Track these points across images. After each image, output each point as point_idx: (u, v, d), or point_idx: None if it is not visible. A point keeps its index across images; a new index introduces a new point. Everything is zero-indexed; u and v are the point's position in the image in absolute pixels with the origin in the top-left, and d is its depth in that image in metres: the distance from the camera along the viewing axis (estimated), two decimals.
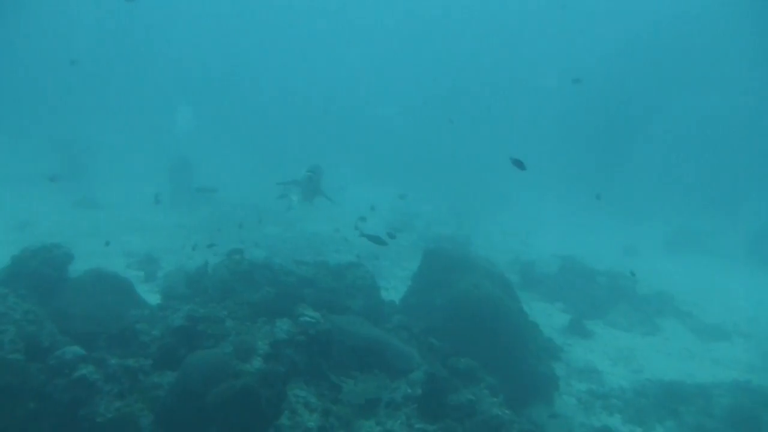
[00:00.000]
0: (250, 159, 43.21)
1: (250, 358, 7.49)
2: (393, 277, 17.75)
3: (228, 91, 57.38)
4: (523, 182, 43.28)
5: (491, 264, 12.04)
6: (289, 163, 42.64)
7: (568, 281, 18.22)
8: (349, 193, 30.56)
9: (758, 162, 41.31)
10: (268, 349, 7.71)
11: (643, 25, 44.73)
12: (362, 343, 8.54)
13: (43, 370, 7.15)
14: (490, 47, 53.85)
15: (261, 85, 62.44)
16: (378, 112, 53.77)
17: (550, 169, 42.86)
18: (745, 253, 29.83)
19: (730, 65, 40.75)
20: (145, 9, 52.45)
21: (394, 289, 15.06)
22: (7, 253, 16.69)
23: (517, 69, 51.61)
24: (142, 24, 56.16)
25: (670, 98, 42.58)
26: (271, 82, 63.77)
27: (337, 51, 66.10)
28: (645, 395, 11.51)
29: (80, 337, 8.33)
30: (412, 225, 27.87)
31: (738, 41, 39.29)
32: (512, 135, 46.00)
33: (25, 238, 19.29)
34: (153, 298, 11.60)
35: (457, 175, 40.41)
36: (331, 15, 66.07)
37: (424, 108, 47.57)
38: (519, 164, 8.38)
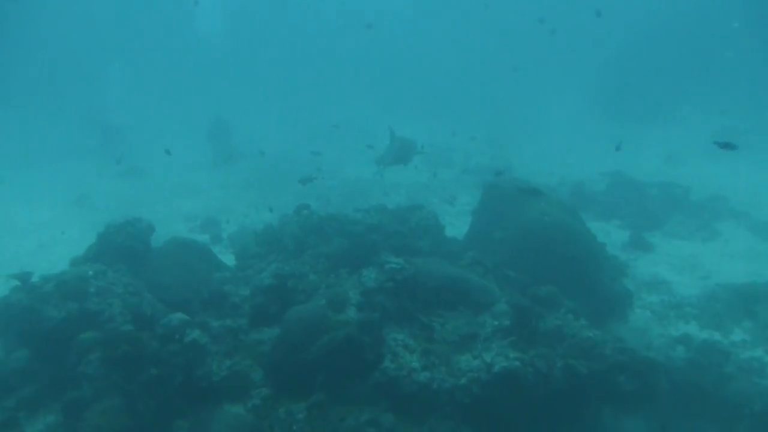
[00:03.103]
0: (278, 110, 43.11)
1: (344, 309, 7.74)
2: (445, 213, 17.80)
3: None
4: (553, 103, 42.59)
5: (550, 189, 12.00)
6: (318, 109, 42.63)
7: (619, 197, 18.08)
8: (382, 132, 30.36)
9: None
10: (359, 298, 7.96)
11: None
12: (444, 282, 8.71)
13: (154, 337, 7.52)
14: None
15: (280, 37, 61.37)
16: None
17: (580, 86, 41.76)
18: None
19: None
20: None
21: (450, 225, 15.12)
22: (75, 229, 17.27)
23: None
24: None
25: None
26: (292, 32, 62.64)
27: None
28: (717, 300, 11.56)
29: (176, 304, 8.72)
30: (451, 159, 27.73)
31: None
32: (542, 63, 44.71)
33: (85, 212, 19.95)
34: (227, 259, 11.94)
35: (489, 107, 39.71)
36: None
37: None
38: (728, 146, 8.29)
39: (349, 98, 45.95)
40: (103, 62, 38.98)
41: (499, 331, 8.01)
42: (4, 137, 32.01)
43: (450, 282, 8.73)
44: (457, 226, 16.21)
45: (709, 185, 20.36)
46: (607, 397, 7.63)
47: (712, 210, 17.65)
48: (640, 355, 7.81)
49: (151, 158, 27.67)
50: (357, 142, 28.34)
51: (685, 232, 16.15)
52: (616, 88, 38.65)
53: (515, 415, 7.16)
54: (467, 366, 7.27)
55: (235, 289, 9.38)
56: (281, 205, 18.05)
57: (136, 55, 46.74)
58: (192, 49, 53.02)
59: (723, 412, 8.32)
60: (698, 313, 11.25)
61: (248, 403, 7.06)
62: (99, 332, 7.47)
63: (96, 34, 53.05)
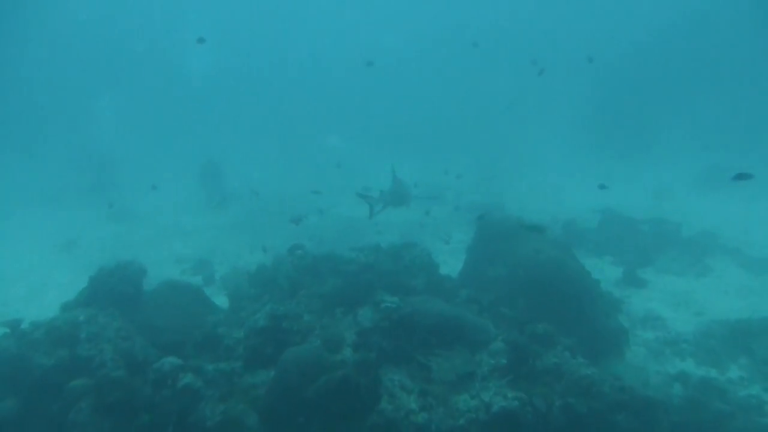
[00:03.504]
0: (268, 149, 43.46)
1: (340, 349, 7.68)
2: (439, 251, 17.82)
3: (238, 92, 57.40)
4: (543, 140, 43.23)
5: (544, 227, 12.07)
6: (305, 146, 42.92)
7: (611, 234, 18.18)
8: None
9: None
10: (355, 338, 7.91)
11: None
12: (440, 321, 8.68)
13: (146, 382, 7.40)
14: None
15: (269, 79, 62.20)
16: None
17: (571, 122, 42.50)
18: None
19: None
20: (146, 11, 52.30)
21: (444, 263, 15.14)
22: (64, 273, 17.12)
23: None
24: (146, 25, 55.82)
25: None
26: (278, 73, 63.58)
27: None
28: (713, 336, 11.52)
29: (168, 347, 8.60)
30: (443, 197, 27.89)
31: None
32: (529, 94, 45.48)
33: (76, 256, 19.81)
34: (220, 301, 11.87)
35: (480, 144, 40.26)
36: None
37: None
38: (742, 176, 8.45)
39: (342, 137, 46.49)
40: (92, 97, 39.12)
41: (496, 369, 7.96)
42: None
43: (446, 320, 8.70)
44: (450, 263, 16.20)
45: (700, 221, 20.59)
46: None
47: (704, 246, 17.77)
48: (640, 393, 7.74)
49: (141, 200, 27.69)
50: (349, 180, 28.58)
51: (677, 268, 16.20)
52: (605, 124, 39.41)
53: None
54: (465, 406, 7.19)
55: (228, 331, 9.27)
56: (275, 245, 18.00)
57: (126, 92, 46.99)
58: (184, 87, 53.56)
59: None
60: (694, 349, 11.22)
61: None
62: (90, 379, 7.35)
63: (84, 68, 53.12)
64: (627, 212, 20.97)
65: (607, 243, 17.66)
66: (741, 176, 8.53)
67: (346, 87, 57.97)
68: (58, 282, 16.79)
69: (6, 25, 42.04)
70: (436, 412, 7.11)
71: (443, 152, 38.94)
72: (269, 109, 54.57)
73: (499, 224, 11.66)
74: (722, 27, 40.54)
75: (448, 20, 56.89)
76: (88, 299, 9.28)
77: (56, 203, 29.21)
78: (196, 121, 49.22)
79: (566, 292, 9.68)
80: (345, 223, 22.86)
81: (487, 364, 8.06)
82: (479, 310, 9.59)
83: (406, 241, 12.56)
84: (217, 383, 7.77)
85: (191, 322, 9.37)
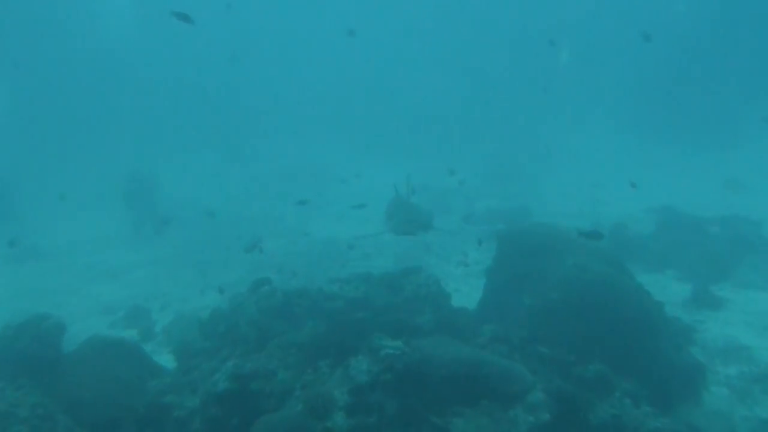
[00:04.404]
0: (210, 160, 43.51)
1: (330, 414, 7.67)
2: (449, 276, 17.89)
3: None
4: (579, 129, 43.71)
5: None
6: (267, 154, 43.04)
7: (673, 240, 18.32)
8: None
9: None
10: (348, 398, 7.88)
11: None
12: (458, 369, 8.66)
13: None
14: None
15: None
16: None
17: (611, 104, 43.04)
18: None
19: None
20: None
21: (457, 292, 15.20)
22: None
23: None
24: None
25: None
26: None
27: None
28: None
29: (101, 427, 8.57)
30: (448, 204, 28.05)
31: None
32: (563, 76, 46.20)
33: None
34: (164, 360, 11.85)
35: (494, 137, 40.61)
36: None
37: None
38: None
39: (310, 138, 46.71)
40: None
41: (537, 429, 7.97)
42: None
43: (466, 368, 8.69)
44: (465, 292, 16.29)
45: None
46: None
47: None
48: None
49: (50, 231, 27.57)
50: (321, 191, 28.69)
51: (761, 281, 16.34)
52: (657, 104, 39.73)
53: None
54: None
55: (179, 399, 9.24)
56: (232, 282, 18.02)
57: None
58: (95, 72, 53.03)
59: None
60: None
61: None
62: None
63: None
64: (691, 211, 21.16)
65: (669, 252, 17.78)
66: None
67: (321, 79, 58.51)
68: None
69: None
70: None
71: (448, 149, 39.22)
72: (212, 105, 54.48)
73: (528, 236, 11.73)
74: None
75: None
76: None
77: None
78: (117, 121, 48.91)
79: (621, 319, 9.72)
80: (320, 247, 22.93)
81: (525, 423, 8.06)
82: (509, 351, 9.61)
83: (406, 266, 12.63)
84: None
85: (128, 390, 9.35)
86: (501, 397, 8.54)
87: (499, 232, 12.90)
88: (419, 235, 12.35)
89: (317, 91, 56.46)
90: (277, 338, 9.99)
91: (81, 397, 8.97)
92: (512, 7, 54.39)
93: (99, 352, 9.84)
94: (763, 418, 10.52)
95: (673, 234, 18.79)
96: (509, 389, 8.66)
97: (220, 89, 55.62)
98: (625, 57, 44.68)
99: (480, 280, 13.76)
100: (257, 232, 22.07)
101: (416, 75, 56.14)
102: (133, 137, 46.03)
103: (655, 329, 10.18)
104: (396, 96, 52.10)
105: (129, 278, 21.80)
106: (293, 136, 46.79)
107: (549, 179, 34.63)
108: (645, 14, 45.05)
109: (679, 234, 18.73)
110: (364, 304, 10.96)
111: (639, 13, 46.13)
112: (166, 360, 11.72)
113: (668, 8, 45.13)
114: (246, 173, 39.47)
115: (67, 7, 52.20)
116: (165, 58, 58.57)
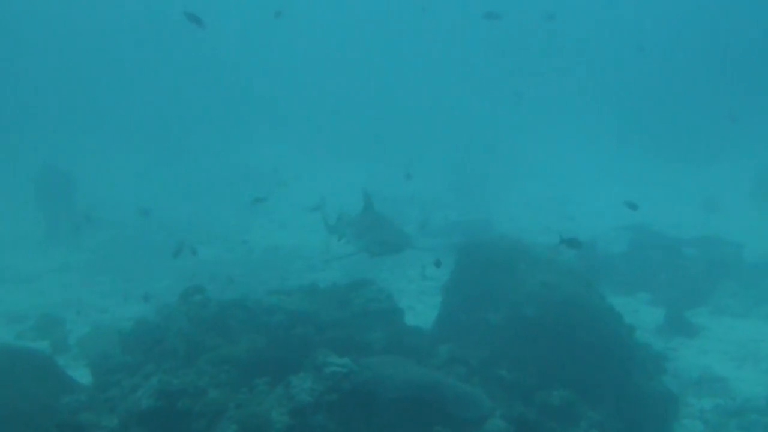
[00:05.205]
0: (139, 158, 43.02)
1: None
2: (401, 292, 17.96)
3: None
4: (547, 136, 44.41)
5: (553, 251, 12.29)
6: (200, 154, 42.77)
7: (646, 260, 18.64)
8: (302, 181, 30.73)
9: None
10: (288, 419, 7.83)
11: None
12: (410, 391, 8.68)
13: None
14: None
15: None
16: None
17: (585, 115, 43.93)
18: None
19: None
20: None
21: (411, 309, 15.28)
22: None
23: None
24: None
25: None
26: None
27: None
28: None
29: None
30: (404, 214, 28.10)
31: None
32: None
33: None
34: (78, 374, 11.63)
35: (456, 144, 40.95)
36: None
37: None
38: None
39: (252, 138, 46.54)
40: None
41: None
42: None
43: (420, 390, 8.72)
44: (418, 310, 16.38)
45: (765, 241, 21.32)
46: None
47: None
48: None
49: None
50: (264, 194, 28.33)
51: (739, 307, 16.73)
52: (635, 118, 40.72)
53: None
54: None
55: (95, 418, 9.05)
56: (160, 290, 17.79)
57: None
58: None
59: None
60: None
61: None
62: None
63: None
64: (666, 230, 21.58)
65: (642, 273, 18.09)
66: None
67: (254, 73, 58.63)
68: None
69: None
70: None
71: (404, 154, 39.38)
72: (140, 97, 54.00)
73: (490, 249, 11.81)
74: None
75: None
76: None
77: None
78: (35, 114, 48.03)
79: (590, 343, 9.85)
80: (260, 254, 22.77)
81: None
82: (467, 373, 9.67)
83: (355, 279, 12.62)
84: None
85: (38, 407, 9.13)
86: (457, 424, 8.58)
87: (459, 244, 12.96)
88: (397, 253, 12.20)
89: (267, 90, 56.47)
90: (209, 353, 9.89)
91: None
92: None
93: (6, 364, 9.59)
94: None
95: (646, 254, 19.12)
96: (466, 415, 8.71)
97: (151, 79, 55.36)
98: (605, 71, 45.80)
99: (435, 297, 13.80)
100: (188, 237, 21.86)
101: (386, 76, 56.62)
102: (50, 132, 45.19)
103: (626, 355, 10.35)
104: (357, 98, 52.46)
105: (40, 284, 21.33)
106: (224, 135, 46.75)
107: (515, 192, 35.06)
108: (627, 27, 46.27)
109: (652, 254, 19.05)
110: (308, 319, 10.92)
111: (620, 25, 47.37)
112: (82, 375, 11.49)
113: (648, 23, 46.67)
114: (177, 173, 39.06)
115: None
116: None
